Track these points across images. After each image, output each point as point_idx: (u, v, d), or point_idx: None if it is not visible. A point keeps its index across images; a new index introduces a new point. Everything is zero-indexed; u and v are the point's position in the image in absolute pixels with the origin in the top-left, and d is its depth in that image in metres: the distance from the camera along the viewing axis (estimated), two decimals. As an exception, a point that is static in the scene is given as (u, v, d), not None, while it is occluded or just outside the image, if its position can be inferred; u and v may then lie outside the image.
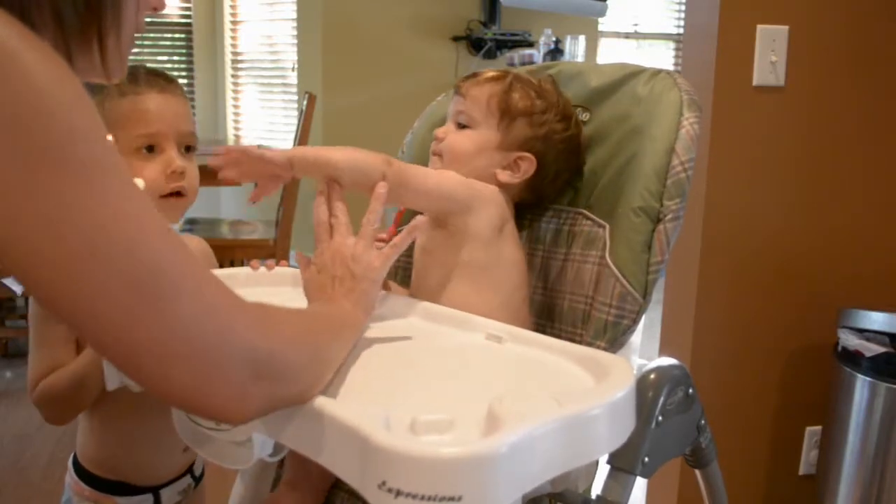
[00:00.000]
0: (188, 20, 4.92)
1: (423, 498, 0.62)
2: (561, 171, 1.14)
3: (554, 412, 0.71)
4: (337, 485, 1.08)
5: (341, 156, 1.02)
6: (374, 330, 1.01)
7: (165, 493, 1.20)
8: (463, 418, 0.71)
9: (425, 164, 1.25)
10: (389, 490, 0.63)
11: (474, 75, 1.14)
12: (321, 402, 0.72)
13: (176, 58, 4.99)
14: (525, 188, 1.13)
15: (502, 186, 1.11)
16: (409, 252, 1.23)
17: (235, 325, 0.64)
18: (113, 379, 0.96)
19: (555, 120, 1.11)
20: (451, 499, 0.62)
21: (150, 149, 1.12)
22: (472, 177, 1.10)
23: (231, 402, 0.64)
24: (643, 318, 1.02)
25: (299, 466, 1.06)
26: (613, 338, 1.01)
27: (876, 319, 1.71)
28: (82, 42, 0.65)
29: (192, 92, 5.00)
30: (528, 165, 1.11)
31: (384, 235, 1.14)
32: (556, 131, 1.11)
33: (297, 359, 0.70)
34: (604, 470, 0.95)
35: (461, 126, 1.12)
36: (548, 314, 1.14)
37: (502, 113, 1.10)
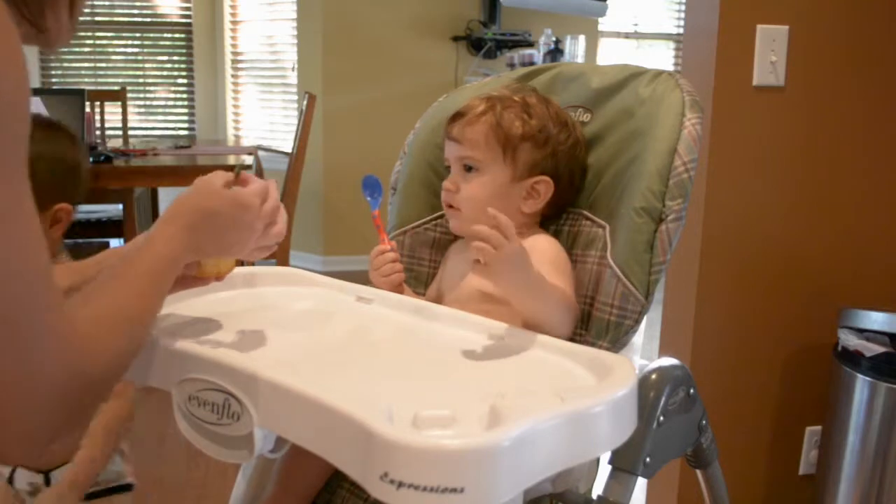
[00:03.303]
0: (188, 20, 4.92)
1: (424, 489, 0.63)
2: (574, 175, 1.14)
3: (556, 408, 0.72)
4: (338, 482, 1.08)
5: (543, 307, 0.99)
6: (379, 328, 1.01)
7: (18, 475, 1.20)
8: (465, 414, 0.72)
9: (424, 166, 1.25)
10: (391, 482, 0.63)
11: (460, 115, 1.12)
12: (324, 396, 0.72)
13: (176, 58, 4.99)
14: (547, 205, 1.13)
15: (528, 216, 1.12)
16: (420, 259, 1.24)
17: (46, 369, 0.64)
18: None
19: (555, 133, 1.11)
20: (453, 490, 0.63)
21: None
22: None
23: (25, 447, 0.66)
24: (644, 318, 1.02)
25: (289, 469, 1.07)
26: (615, 338, 1.01)
27: (876, 319, 1.71)
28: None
29: (192, 92, 5.01)
30: (545, 188, 1.11)
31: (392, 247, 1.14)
32: (560, 143, 1.11)
33: (115, 373, 0.73)
34: (605, 470, 0.95)
35: (468, 169, 1.11)
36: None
37: (503, 146, 1.09)
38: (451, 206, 1.13)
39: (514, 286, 0.94)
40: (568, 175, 1.12)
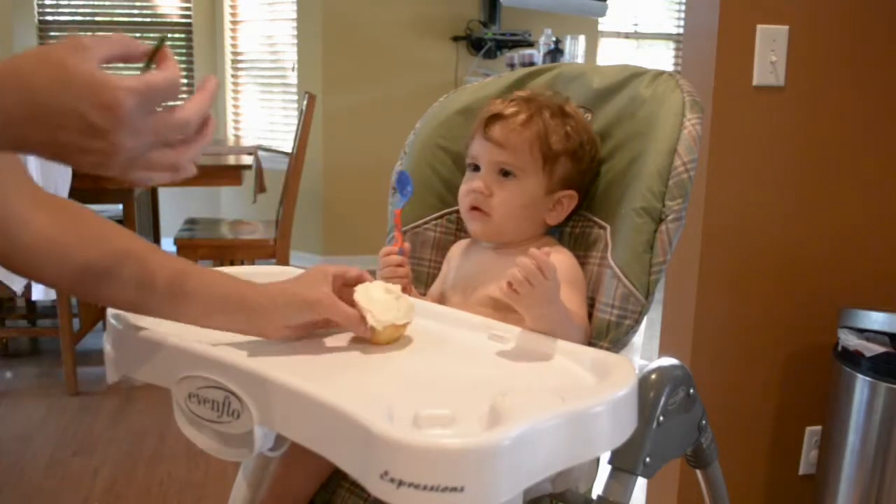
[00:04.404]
0: (188, 20, 4.92)
1: (424, 488, 0.63)
2: (590, 187, 1.14)
3: (556, 408, 0.72)
4: (338, 482, 1.08)
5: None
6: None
7: None
8: (466, 413, 0.72)
9: (425, 166, 1.25)
10: (391, 480, 0.64)
11: (500, 117, 1.09)
12: (324, 394, 0.72)
13: (176, 58, 4.97)
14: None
15: (547, 227, 1.13)
16: (420, 259, 1.24)
17: None
18: (114, 373, 0.96)
19: (589, 148, 1.11)
20: (453, 490, 0.63)
21: None
22: (523, 225, 1.10)
23: None
24: (644, 318, 1.02)
25: (282, 475, 1.07)
26: (616, 338, 1.01)
27: (876, 319, 1.71)
28: None
29: (192, 92, 4.99)
30: (570, 202, 1.11)
31: (397, 247, 1.14)
32: (592, 158, 1.11)
33: None
34: (605, 470, 0.95)
35: (504, 174, 1.09)
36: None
37: (545, 157, 1.08)
38: (477, 210, 1.10)
39: (540, 318, 0.95)
40: (588, 188, 1.13)
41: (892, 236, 1.86)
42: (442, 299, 1.15)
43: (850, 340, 1.71)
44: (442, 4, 4.48)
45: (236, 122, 5.04)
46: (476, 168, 1.12)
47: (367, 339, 0.93)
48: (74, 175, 2.72)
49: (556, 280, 0.92)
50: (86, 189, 2.92)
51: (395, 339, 0.95)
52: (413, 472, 0.63)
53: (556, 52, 4.09)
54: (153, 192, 3.94)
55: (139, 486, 2.24)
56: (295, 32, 4.57)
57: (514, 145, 1.08)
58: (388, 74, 4.42)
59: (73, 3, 4.85)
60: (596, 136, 1.13)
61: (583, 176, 1.11)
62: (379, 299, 0.93)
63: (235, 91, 5.01)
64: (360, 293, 0.93)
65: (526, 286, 0.90)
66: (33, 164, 2.55)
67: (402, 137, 1.30)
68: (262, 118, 4.93)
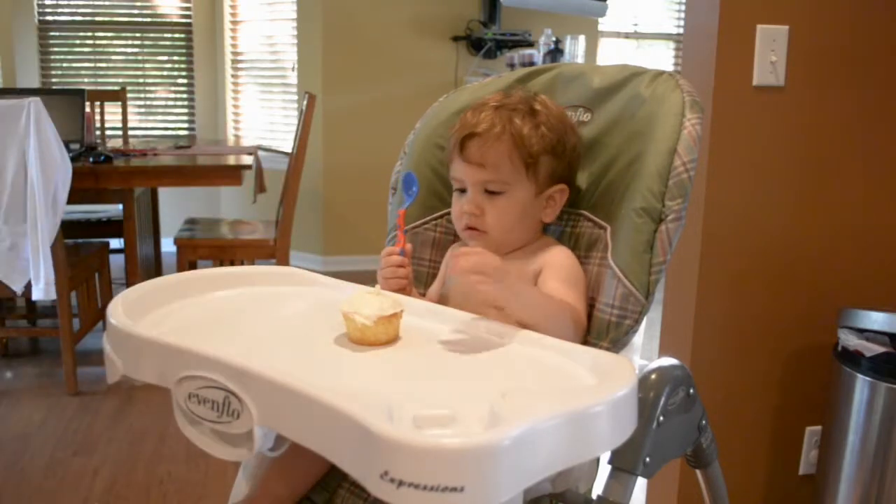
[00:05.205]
0: (188, 20, 4.92)
1: (424, 488, 0.63)
2: (580, 169, 1.14)
3: (556, 408, 0.72)
4: (338, 482, 1.08)
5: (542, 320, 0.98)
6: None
7: None
8: (465, 414, 0.72)
9: (424, 166, 1.25)
10: (391, 480, 0.64)
11: (475, 135, 1.08)
12: (324, 395, 0.72)
13: (176, 58, 4.99)
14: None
15: (543, 224, 1.13)
16: (420, 259, 1.24)
17: None
18: (114, 373, 0.96)
19: (567, 138, 1.10)
20: (453, 489, 0.63)
21: None
22: (521, 232, 1.10)
23: None
24: (644, 318, 1.03)
25: (273, 473, 1.07)
26: (616, 338, 1.01)
27: (876, 319, 1.71)
28: None
29: (192, 92, 5.01)
30: (561, 195, 1.12)
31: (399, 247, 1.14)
32: (573, 147, 1.11)
33: None
34: (605, 470, 0.95)
35: (491, 193, 1.08)
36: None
37: (526, 164, 1.07)
38: (473, 229, 1.10)
39: (519, 304, 0.97)
40: (577, 174, 1.13)
41: (892, 236, 1.86)
42: (442, 300, 1.15)
43: (850, 340, 1.71)
44: (442, 4, 4.48)
45: (236, 122, 5.04)
46: (463, 190, 1.11)
47: (364, 341, 0.94)
48: (75, 174, 2.72)
49: (483, 252, 0.94)
50: (86, 189, 2.92)
51: (391, 335, 0.95)
52: (413, 472, 0.63)
53: (556, 52, 4.08)
54: (153, 193, 3.94)
55: (139, 486, 2.24)
56: (295, 32, 4.57)
57: (494, 162, 1.07)
58: (388, 74, 4.43)
59: (73, 2, 4.85)
60: (572, 122, 1.13)
61: (569, 167, 1.11)
62: (361, 299, 0.95)
63: (235, 91, 5.01)
64: (344, 304, 0.95)
65: (474, 276, 0.92)
66: (33, 161, 2.55)
67: (402, 137, 1.30)
68: (262, 118, 4.93)
